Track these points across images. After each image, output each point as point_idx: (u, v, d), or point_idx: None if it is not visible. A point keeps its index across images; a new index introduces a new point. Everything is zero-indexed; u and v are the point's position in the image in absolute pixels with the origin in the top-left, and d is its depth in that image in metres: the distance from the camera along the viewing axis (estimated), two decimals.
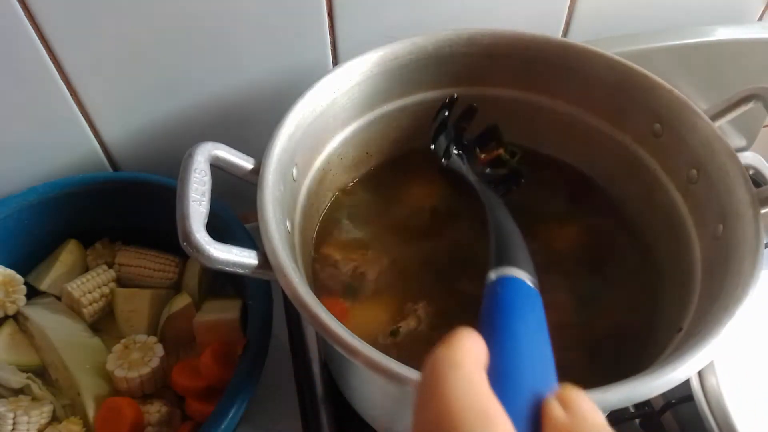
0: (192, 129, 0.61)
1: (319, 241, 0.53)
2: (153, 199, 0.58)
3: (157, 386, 0.55)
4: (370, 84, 0.52)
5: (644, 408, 0.58)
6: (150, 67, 0.56)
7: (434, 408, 0.23)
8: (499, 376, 0.25)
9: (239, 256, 0.39)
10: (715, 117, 0.48)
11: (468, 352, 0.25)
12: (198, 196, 0.40)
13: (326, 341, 0.36)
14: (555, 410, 0.24)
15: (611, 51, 0.51)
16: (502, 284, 0.33)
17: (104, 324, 0.60)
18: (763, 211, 0.42)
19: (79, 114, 0.57)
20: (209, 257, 0.38)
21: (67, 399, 0.54)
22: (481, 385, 0.23)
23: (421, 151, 0.57)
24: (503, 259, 0.35)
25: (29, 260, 0.61)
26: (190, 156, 0.42)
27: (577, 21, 0.65)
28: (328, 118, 0.51)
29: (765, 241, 0.41)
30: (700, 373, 0.53)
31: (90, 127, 0.59)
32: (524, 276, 0.33)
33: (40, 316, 0.57)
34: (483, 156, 0.56)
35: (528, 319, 0.30)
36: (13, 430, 0.50)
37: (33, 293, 0.59)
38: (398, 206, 0.56)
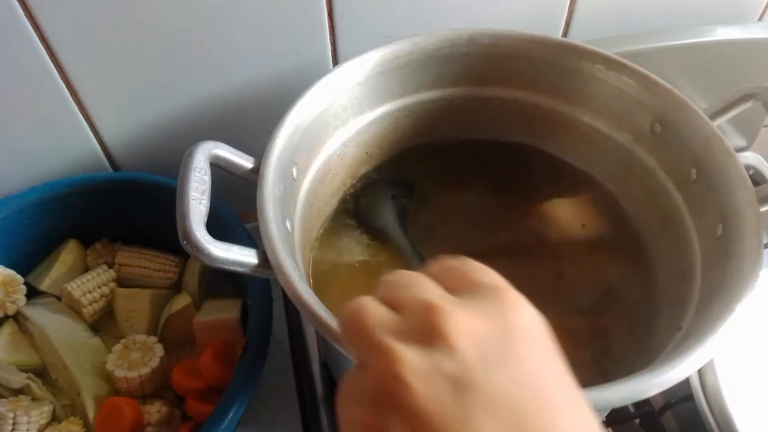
0: (192, 129, 0.61)
1: (319, 241, 0.53)
2: (153, 199, 0.58)
3: (157, 386, 0.55)
4: (370, 84, 0.52)
5: (644, 408, 0.58)
6: (150, 67, 0.56)
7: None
8: None
9: (239, 255, 0.39)
10: (715, 116, 0.48)
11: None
12: (198, 195, 0.40)
13: (326, 340, 0.36)
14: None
15: (611, 51, 0.51)
16: None
17: (104, 324, 0.60)
18: (762, 210, 0.42)
19: (79, 114, 0.57)
20: (209, 255, 0.38)
21: (67, 399, 0.54)
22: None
23: (421, 150, 0.57)
24: None
25: (29, 260, 0.61)
26: (191, 155, 0.42)
27: (577, 21, 0.65)
28: (328, 118, 0.51)
29: (765, 241, 0.41)
30: (700, 373, 0.53)
31: (90, 127, 0.59)
32: None
33: (40, 316, 0.57)
34: None
35: None
36: (13, 430, 0.50)
37: (33, 293, 0.59)
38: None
